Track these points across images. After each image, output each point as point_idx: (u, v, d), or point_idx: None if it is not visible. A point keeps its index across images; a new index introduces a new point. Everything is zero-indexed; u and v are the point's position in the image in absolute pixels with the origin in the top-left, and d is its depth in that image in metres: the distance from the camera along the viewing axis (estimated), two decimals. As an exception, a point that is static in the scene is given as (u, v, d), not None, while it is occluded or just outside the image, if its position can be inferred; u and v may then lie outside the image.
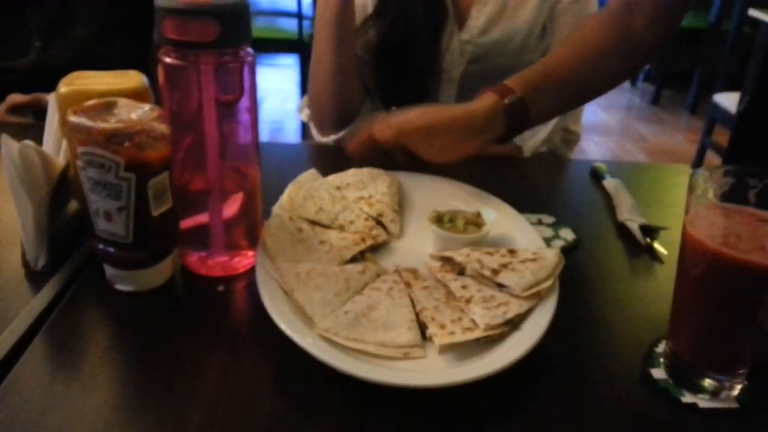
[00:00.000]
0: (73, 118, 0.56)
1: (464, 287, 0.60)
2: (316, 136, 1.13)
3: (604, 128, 4.05)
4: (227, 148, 0.64)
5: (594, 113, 4.28)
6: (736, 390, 0.54)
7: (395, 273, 0.65)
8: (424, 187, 0.81)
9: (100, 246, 0.61)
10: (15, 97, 1.05)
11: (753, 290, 0.50)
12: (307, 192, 0.74)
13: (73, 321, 0.60)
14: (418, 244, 0.71)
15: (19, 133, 0.66)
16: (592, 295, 0.69)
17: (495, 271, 0.61)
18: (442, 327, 0.56)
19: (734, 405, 0.54)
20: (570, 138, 1.17)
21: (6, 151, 0.62)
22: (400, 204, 0.78)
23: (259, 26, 3.45)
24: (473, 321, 0.56)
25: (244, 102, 0.62)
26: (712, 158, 3.08)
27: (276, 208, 0.71)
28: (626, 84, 4.98)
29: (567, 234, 0.78)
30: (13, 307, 0.60)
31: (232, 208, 0.65)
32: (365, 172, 0.80)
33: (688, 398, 0.54)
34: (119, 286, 0.63)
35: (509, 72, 1.05)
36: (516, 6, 1.10)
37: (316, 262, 0.65)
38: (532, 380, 0.55)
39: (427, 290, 0.61)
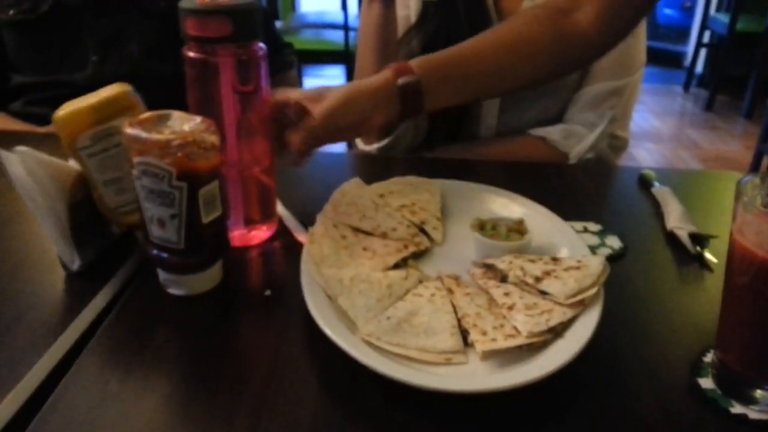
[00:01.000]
0: (129, 130, 0.59)
1: (507, 294, 0.60)
2: (360, 144, 1.15)
3: (656, 135, 3.96)
4: (244, 132, 0.71)
5: (645, 119, 4.19)
6: (788, 401, 0.53)
7: (437, 279, 0.65)
8: (467, 194, 0.81)
9: (154, 252, 0.64)
10: None
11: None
12: (351, 200, 0.75)
13: (128, 324, 0.62)
14: (460, 252, 0.71)
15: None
16: (638, 304, 0.68)
17: (538, 279, 0.61)
18: (484, 333, 0.56)
19: (786, 416, 0.52)
20: (617, 144, 1.16)
21: (9, 167, 0.65)
22: (443, 211, 0.78)
23: (307, 38, 3.51)
24: (515, 328, 0.56)
25: (259, 92, 0.70)
26: (770, 165, 2.99)
27: (320, 216, 0.73)
28: (678, 89, 4.87)
29: (614, 242, 0.78)
30: (74, 308, 0.63)
31: (249, 185, 0.74)
32: (408, 180, 0.81)
33: (737, 409, 0.53)
34: (172, 290, 0.66)
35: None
36: None
37: (360, 268, 0.66)
38: (576, 389, 0.55)
39: (469, 297, 0.62)
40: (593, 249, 0.75)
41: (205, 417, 0.51)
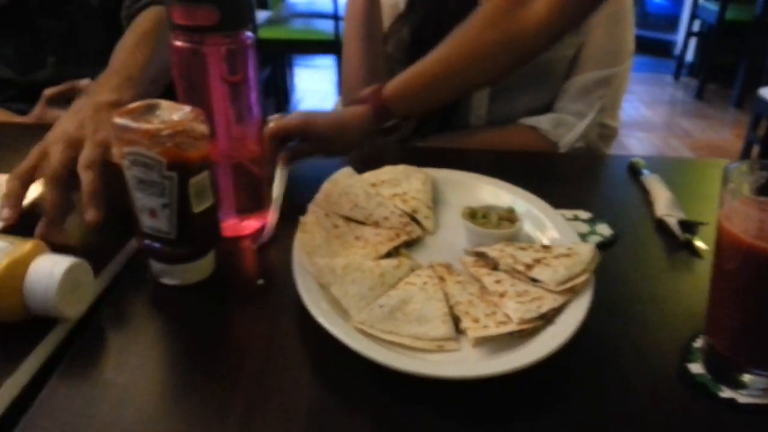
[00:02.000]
0: (118, 120, 0.59)
1: (498, 282, 0.61)
2: None
3: (647, 124, 3.97)
4: (234, 121, 0.71)
5: (636, 109, 4.21)
6: (776, 385, 0.53)
7: (429, 268, 0.65)
8: (458, 183, 0.81)
9: (146, 242, 0.64)
10: (49, 91, 1.05)
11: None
12: (343, 189, 0.76)
13: (121, 314, 0.62)
14: (452, 240, 0.72)
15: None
16: (629, 291, 0.68)
17: (529, 266, 0.61)
18: (476, 321, 0.57)
19: (774, 400, 0.53)
20: (607, 133, 1.16)
21: None
22: (434, 200, 0.78)
23: (296, 28, 3.49)
24: (507, 315, 0.57)
25: (247, 81, 0.69)
26: (760, 153, 3.00)
27: (312, 206, 0.73)
28: (668, 78, 4.89)
29: (604, 230, 0.78)
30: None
31: (239, 175, 0.74)
32: (399, 169, 0.81)
33: (726, 393, 0.53)
34: (164, 280, 0.66)
35: (544, 67, 1.05)
36: None
37: (352, 257, 0.66)
38: (568, 375, 0.56)
39: (460, 285, 0.62)
40: (583, 237, 0.75)
41: (201, 406, 0.52)
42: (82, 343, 0.58)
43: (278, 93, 3.98)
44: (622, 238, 0.77)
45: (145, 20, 1.04)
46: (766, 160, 0.53)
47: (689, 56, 4.92)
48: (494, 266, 0.64)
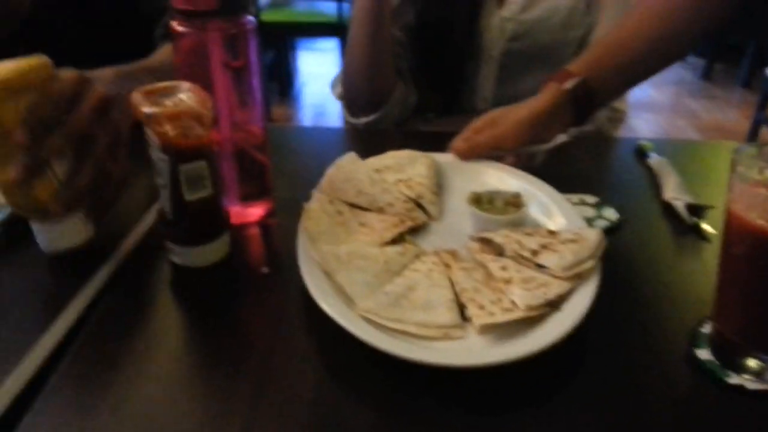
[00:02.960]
0: (134, 96, 0.59)
1: (503, 268, 0.60)
2: (347, 116, 1.14)
3: (654, 105, 3.94)
4: (236, 107, 0.70)
5: (642, 90, 4.16)
6: (785, 372, 0.53)
7: (434, 254, 0.65)
8: (463, 168, 0.80)
9: (160, 216, 0.66)
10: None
11: (798, 269, 0.49)
12: (347, 175, 0.75)
13: (132, 293, 0.64)
14: (457, 226, 0.71)
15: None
16: (636, 275, 0.68)
17: (535, 252, 0.61)
18: (482, 308, 0.56)
19: (782, 387, 0.53)
20: (616, 117, 1.15)
21: None
22: (439, 186, 0.78)
23: (299, 10, 3.46)
24: (513, 302, 0.56)
25: (249, 66, 0.69)
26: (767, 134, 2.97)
27: (316, 192, 0.72)
28: (676, 59, 4.84)
29: (610, 214, 0.77)
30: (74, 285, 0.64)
31: (243, 162, 0.73)
32: (404, 154, 0.81)
33: (734, 379, 0.53)
34: (173, 258, 0.67)
35: (552, 49, 1.03)
36: None
37: (356, 244, 0.66)
38: (575, 360, 0.55)
39: (466, 271, 0.62)
40: (590, 221, 0.75)
41: (208, 388, 0.52)
42: (90, 328, 0.59)
43: (281, 77, 3.96)
44: (628, 221, 0.76)
45: (159, 54, 1.02)
46: (778, 143, 0.52)
47: (697, 36, 4.86)
48: (500, 252, 0.64)
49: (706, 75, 4.38)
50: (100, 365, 0.54)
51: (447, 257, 0.64)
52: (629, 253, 0.72)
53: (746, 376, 0.53)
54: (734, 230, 0.51)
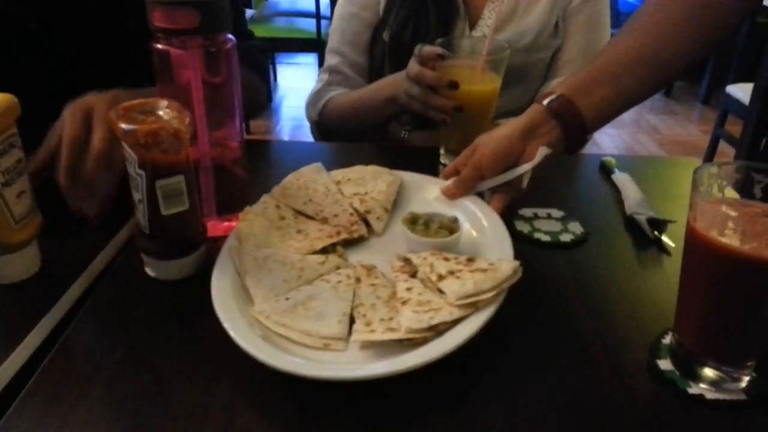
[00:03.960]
0: (111, 112, 0.61)
1: (409, 289, 0.60)
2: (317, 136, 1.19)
3: (617, 121, 3.93)
4: (215, 124, 0.71)
5: (606, 105, 4.25)
6: (744, 382, 0.54)
7: (352, 268, 0.66)
8: (426, 188, 0.80)
9: (136, 230, 0.67)
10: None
11: (757, 284, 0.50)
12: (304, 183, 0.77)
13: (107, 306, 0.64)
14: (393, 244, 0.71)
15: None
16: (600, 288, 0.69)
17: (441, 277, 0.60)
18: (368, 324, 0.57)
19: (742, 397, 0.54)
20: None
21: None
22: (396, 203, 0.78)
23: (279, 26, 3.50)
24: (400, 323, 0.56)
25: (228, 83, 0.70)
26: (726, 149, 3.04)
27: (265, 196, 0.74)
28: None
29: (576, 228, 0.79)
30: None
31: (221, 177, 0.73)
32: (369, 169, 0.82)
33: (694, 389, 0.54)
34: (147, 270, 0.68)
35: (520, 71, 1.05)
36: (528, 5, 1.11)
37: (285, 249, 0.68)
38: (539, 371, 0.57)
39: (373, 288, 0.62)
40: (556, 235, 0.77)
41: (188, 384, 0.54)
42: (79, 324, 0.61)
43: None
44: (593, 235, 0.78)
45: None
46: (735, 162, 0.53)
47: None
48: (414, 273, 0.64)
49: (668, 92, 4.47)
50: (73, 381, 0.54)
51: (361, 272, 0.65)
52: (593, 266, 0.73)
53: (704, 386, 0.54)
54: (695, 246, 0.52)
